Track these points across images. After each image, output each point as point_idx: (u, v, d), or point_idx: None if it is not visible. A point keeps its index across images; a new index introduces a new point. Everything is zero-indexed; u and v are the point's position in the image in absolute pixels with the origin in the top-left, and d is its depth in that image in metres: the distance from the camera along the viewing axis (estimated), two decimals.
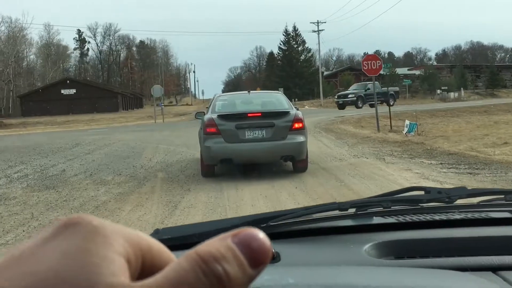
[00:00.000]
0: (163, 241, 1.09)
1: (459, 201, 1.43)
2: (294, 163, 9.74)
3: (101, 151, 15.43)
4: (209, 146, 9.32)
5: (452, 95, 62.48)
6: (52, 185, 9.72)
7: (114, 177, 10.32)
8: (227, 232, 0.38)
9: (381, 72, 20.78)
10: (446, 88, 64.11)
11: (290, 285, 0.83)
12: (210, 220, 1.81)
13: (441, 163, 10.18)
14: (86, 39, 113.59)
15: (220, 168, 10.05)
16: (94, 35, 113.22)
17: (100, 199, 8.18)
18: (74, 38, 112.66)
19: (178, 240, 1.34)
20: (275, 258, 1.17)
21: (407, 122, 19.93)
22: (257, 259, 0.37)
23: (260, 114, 9.42)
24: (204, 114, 10.33)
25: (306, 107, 48.49)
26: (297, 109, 10.01)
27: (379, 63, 19.57)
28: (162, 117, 41.50)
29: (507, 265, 1.12)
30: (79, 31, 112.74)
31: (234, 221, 1.41)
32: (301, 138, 9.38)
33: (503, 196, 1.49)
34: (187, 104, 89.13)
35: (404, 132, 19.24)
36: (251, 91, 11.38)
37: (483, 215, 1.43)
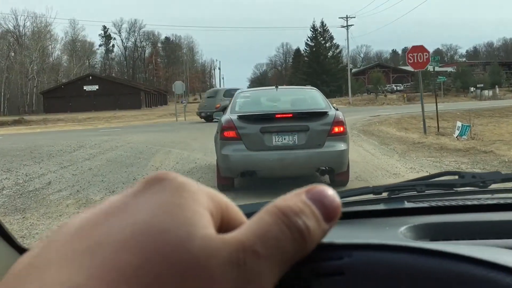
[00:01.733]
0: None
1: (494, 186, 1.40)
2: (332, 176, 7.77)
3: (103, 156, 13.20)
4: (227, 154, 7.43)
5: (486, 93, 60.07)
6: (22, 207, 7.51)
7: (104, 196, 8.05)
8: (300, 189, 0.41)
9: (429, 66, 18.14)
10: (482, 85, 61.61)
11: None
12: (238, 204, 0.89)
13: None
14: (112, 35, 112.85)
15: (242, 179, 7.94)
16: (119, 31, 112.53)
17: None
18: (99, 34, 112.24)
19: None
20: None
21: (458, 123, 17.38)
22: (330, 214, 0.40)
23: (291, 115, 7.57)
24: (224, 114, 8.12)
25: (334, 105, 45.95)
26: (337, 109, 7.81)
27: (426, 55, 17.05)
28: (184, 114, 39.51)
29: None
30: (104, 27, 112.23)
31: (260, 206, 0.90)
32: (342, 146, 7.49)
33: None
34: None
35: (455, 135, 16.71)
36: (279, 87, 9.07)
37: None
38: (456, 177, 1.44)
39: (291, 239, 0.37)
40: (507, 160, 9.58)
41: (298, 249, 0.38)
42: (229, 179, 7.89)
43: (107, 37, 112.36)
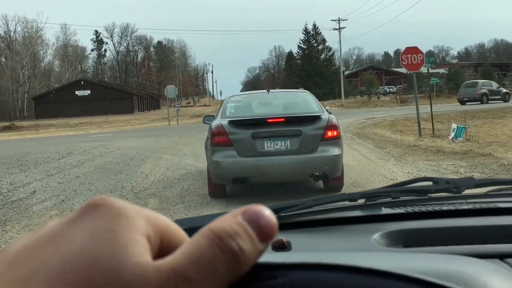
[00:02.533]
0: None
1: (467, 191, 1.41)
2: (326, 181, 7.54)
3: (92, 164, 12.85)
4: (218, 161, 7.16)
5: None
6: (3, 219, 7.17)
7: None
8: (237, 209, 0.42)
9: (423, 67, 17.88)
10: None
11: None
12: (221, 212, 1.71)
13: None
14: (104, 40, 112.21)
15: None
16: (111, 36, 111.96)
17: None
18: (91, 39, 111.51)
19: (190, 231, 1.02)
20: (287, 247, 1.13)
21: (454, 125, 17.09)
22: (265, 235, 0.41)
23: (283, 119, 7.31)
24: (214, 118, 7.84)
25: (327, 107, 45.54)
26: (330, 113, 7.54)
27: (420, 56, 16.79)
28: (177, 119, 39.17)
29: None
30: (96, 31, 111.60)
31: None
32: (336, 151, 7.23)
33: (510, 186, 1.53)
34: (204, 105, 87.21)
35: (451, 137, 16.44)
36: (270, 90, 8.79)
37: (490, 205, 1.42)
38: (431, 183, 1.45)
39: (224, 262, 0.37)
40: (506, 163, 9.30)
41: (233, 272, 0.38)
42: (221, 186, 7.63)
43: (99, 41, 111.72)
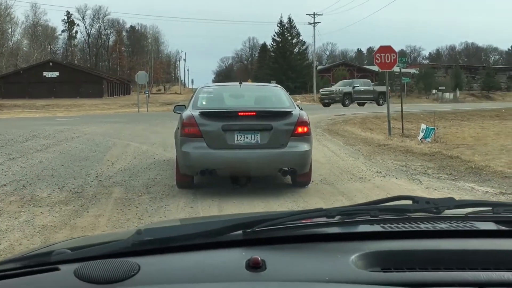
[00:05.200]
0: (145, 243, 1.21)
1: (447, 212, 1.40)
2: (294, 177, 7.56)
3: (56, 148, 12.51)
4: (187, 152, 7.07)
5: (447, 95, 61.13)
6: None
7: (52, 192, 7.47)
8: None
9: (396, 67, 17.95)
10: (444, 88, 62.64)
11: None
12: (193, 222, 1.70)
13: (501, 192, 7.46)
14: (75, 21, 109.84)
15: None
16: (83, 18, 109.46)
17: (8, 236, 5.33)
18: (62, 20, 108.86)
19: (161, 243, 1.27)
20: (261, 267, 1.14)
21: (423, 126, 17.26)
22: None
23: (254, 113, 7.27)
24: (185, 109, 7.71)
25: (299, 101, 45.49)
26: (301, 109, 7.52)
27: (393, 56, 16.84)
28: (147, 105, 38.67)
29: (494, 282, 1.12)
30: (67, 12, 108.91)
31: (217, 224, 1.34)
32: (305, 147, 7.24)
33: (490, 208, 1.48)
34: (175, 93, 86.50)
35: (420, 137, 16.59)
36: (243, 83, 8.71)
37: (470, 227, 1.44)
38: (410, 202, 1.44)
39: None
40: (473, 166, 9.37)
41: None
42: (189, 177, 7.55)
43: (70, 23, 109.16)
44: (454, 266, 1.20)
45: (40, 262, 1.25)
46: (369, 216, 1.38)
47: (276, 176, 7.84)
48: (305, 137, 7.27)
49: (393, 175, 8.74)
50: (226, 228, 1.30)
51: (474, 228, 1.43)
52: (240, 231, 1.30)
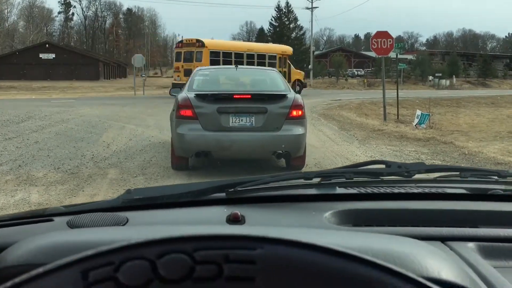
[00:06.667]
0: (134, 200, 1.36)
1: (417, 176, 1.47)
2: (288, 160, 7.61)
3: (52, 129, 12.53)
4: (182, 133, 7.11)
5: (444, 82, 61.09)
6: None
7: (48, 172, 7.52)
8: None
9: (392, 52, 17.96)
10: (440, 75, 62.59)
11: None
12: (180, 183, 1.79)
13: None
14: (71, 3, 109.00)
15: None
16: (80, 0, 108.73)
17: (3, 213, 5.40)
18: (58, 1, 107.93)
19: (149, 200, 1.37)
20: (240, 220, 1.20)
21: (418, 112, 17.35)
22: None
23: (249, 96, 7.30)
24: (181, 91, 7.76)
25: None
26: (297, 92, 7.52)
27: (390, 41, 16.85)
28: (143, 89, 38.55)
29: (455, 236, 1.17)
30: None
31: (203, 185, 1.44)
32: (299, 130, 7.28)
33: (458, 173, 1.55)
34: (172, 76, 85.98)
35: (414, 123, 16.68)
36: (239, 66, 8.74)
37: (438, 190, 1.50)
38: (383, 166, 1.49)
39: None
40: (467, 152, 9.47)
41: None
42: (184, 159, 7.59)
43: (66, 4, 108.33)
44: (421, 224, 1.25)
45: (35, 215, 1.34)
46: (344, 179, 1.46)
47: (271, 159, 7.91)
48: (300, 120, 7.32)
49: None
50: (210, 188, 1.40)
51: (442, 191, 1.49)
52: (223, 192, 1.38)
